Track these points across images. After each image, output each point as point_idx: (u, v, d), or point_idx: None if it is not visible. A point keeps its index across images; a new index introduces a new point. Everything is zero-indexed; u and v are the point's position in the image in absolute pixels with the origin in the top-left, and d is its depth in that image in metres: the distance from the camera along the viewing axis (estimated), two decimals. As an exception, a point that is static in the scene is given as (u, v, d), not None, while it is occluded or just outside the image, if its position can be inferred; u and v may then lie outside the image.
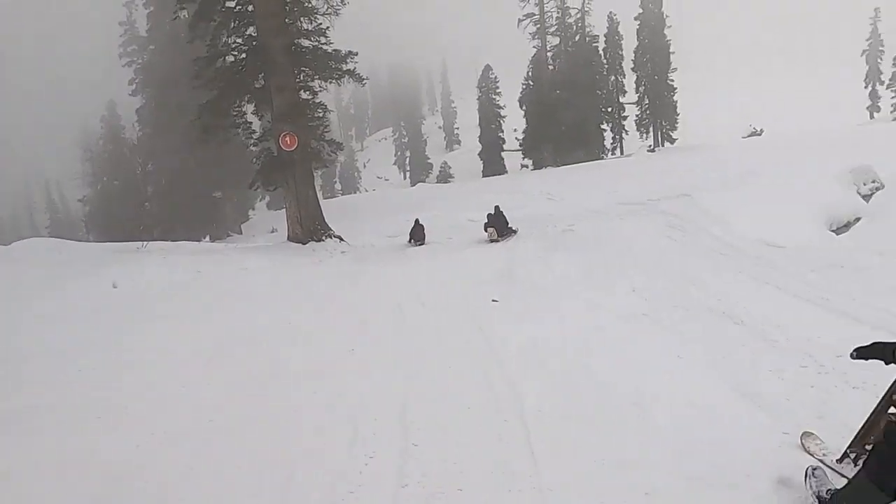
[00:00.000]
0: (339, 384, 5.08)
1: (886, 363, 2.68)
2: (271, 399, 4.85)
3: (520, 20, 56.54)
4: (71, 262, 13.93)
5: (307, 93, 18.66)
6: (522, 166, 61.90)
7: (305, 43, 18.23)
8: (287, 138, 17.29)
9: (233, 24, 17.79)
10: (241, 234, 47.86)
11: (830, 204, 13.20)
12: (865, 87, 64.97)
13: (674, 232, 11.98)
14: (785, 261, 8.46)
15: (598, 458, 3.46)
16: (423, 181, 73.62)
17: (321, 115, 18.76)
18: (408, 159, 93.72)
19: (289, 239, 18.59)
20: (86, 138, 41.83)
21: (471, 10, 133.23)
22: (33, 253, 16.71)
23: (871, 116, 63.59)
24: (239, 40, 17.88)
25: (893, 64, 61.01)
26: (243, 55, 17.83)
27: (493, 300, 7.90)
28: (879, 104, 63.83)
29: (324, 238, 18.02)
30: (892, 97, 61.16)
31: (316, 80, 18.67)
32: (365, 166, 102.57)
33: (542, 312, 7.10)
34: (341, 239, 18.37)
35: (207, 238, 43.81)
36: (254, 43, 17.71)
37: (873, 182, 15.83)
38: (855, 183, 15.60)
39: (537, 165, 56.02)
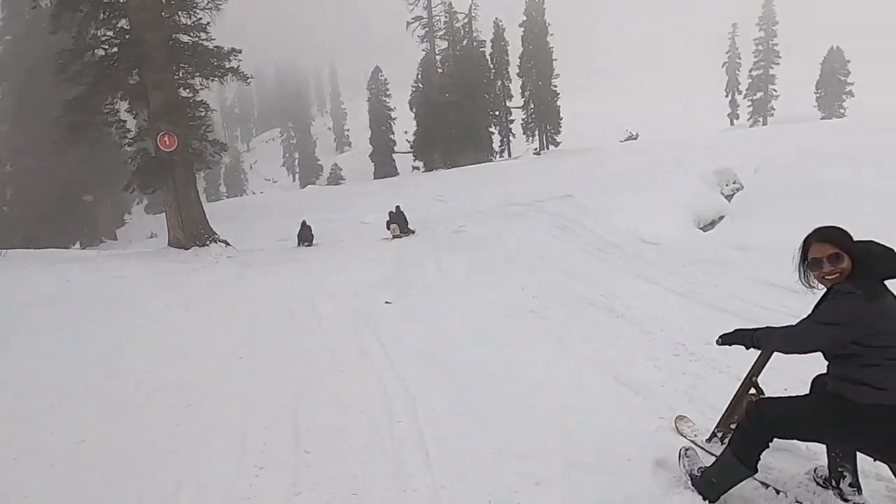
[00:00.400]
0: (226, 394, 4.87)
1: (747, 348, 2.94)
2: (152, 414, 4.57)
3: (409, 23, 56.95)
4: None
5: (187, 91, 17.79)
6: (414, 168, 62.33)
7: (184, 38, 17.39)
8: (166, 138, 16.41)
9: (102, 15, 16.62)
10: (117, 239, 44.95)
11: (698, 203, 14.25)
12: (726, 96, 70.76)
13: (559, 231, 12.51)
14: (659, 256, 9.08)
15: (489, 451, 3.54)
16: (314, 183, 72.46)
17: (203, 114, 17.91)
18: (297, 161, 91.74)
19: (170, 244, 17.65)
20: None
21: (358, 10, 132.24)
22: None
23: (731, 123, 69.36)
24: (109, 33, 16.71)
25: (749, 76, 66.95)
26: (115, 49, 16.69)
27: (387, 302, 7.89)
28: (738, 112, 69.77)
29: (208, 243, 17.27)
30: (749, 105, 67.13)
31: (196, 78, 17.85)
32: (252, 168, 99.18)
33: (434, 312, 7.15)
34: (227, 243, 17.68)
35: (77, 245, 40.69)
36: (127, 36, 16.64)
37: (734, 183, 17.26)
38: (718, 184, 16.95)
39: (428, 167, 56.56)
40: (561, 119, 55.86)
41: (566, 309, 6.92)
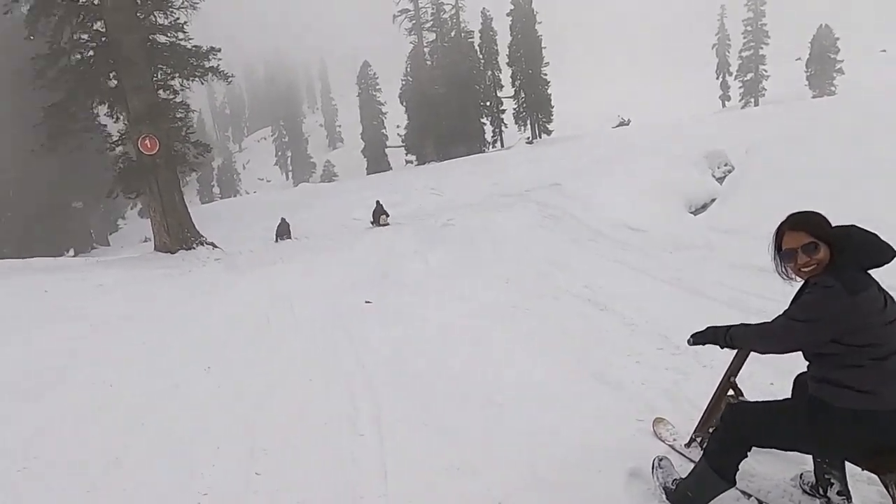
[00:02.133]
0: (184, 409, 4.62)
1: (721, 347, 2.71)
2: (97, 433, 4.31)
3: (395, 16, 56.72)
4: None
5: (167, 92, 17.49)
6: (407, 162, 62.21)
7: (162, 39, 17.07)
8: (147, 141, 16.13)
9: (77, 18, 16.30)
10: (110, 245, 44.85)
11: (689, 187, 14.00)
12: (717, 78, 70.51)
13: (546, 221, 12.27)
14: (646, 243, 8.82)
15: (451, 466, 3.30)
16: (307, 181, 72.23)
17: (183, 115, 17.61)
18: (289, 159, 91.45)
19: (156, 249, 17.44)
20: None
21: (346, 5, 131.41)
22: None
23: (723, 105, 69.19)
24: (85, 36, 16.39)
25: (738, 57, 66.65)
26: (91, 52, 16.38)
27: (367, 301, 7.67)
28: (729, 93, 69.53)
29: (195, 246, 17.04)
30: (740, 87, 66.85)
31: (176, 79, 17.55)
32: (245, 168, 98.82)
33: (414, 311, 6.93)
34: (214, 245, 17.47)
35: (71, 252, 40.46)
36: (103, 39, 16.33)
37: (725, 165, 17.02)
38: (710, 167, 16.70)
39: (421, 161, 56.40)
40: (552, 107, 55.54)
41: (549, 303, 6.68)
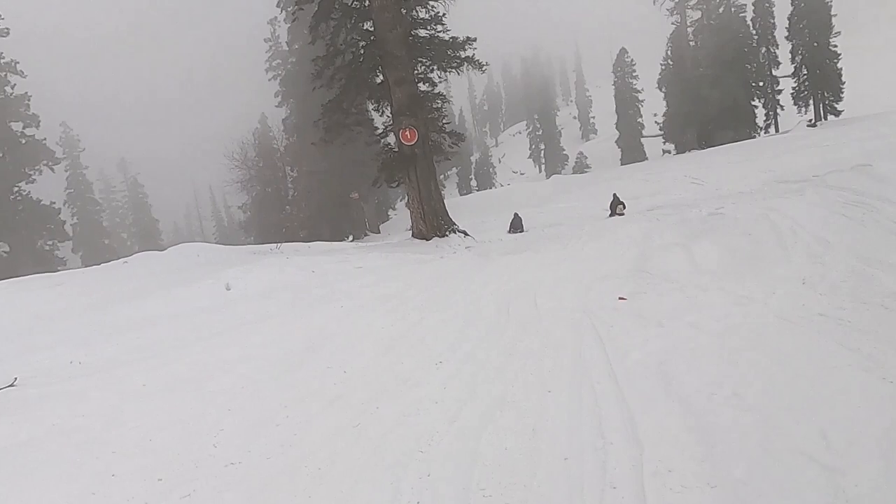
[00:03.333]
0: (404, 414, 4.13)
1: None
2: (318, 428, 4.01)
3: (656, -4, 53.33)
4: (203, 264, 14.41)
5: (426, 84, 18.13)
6: (664, 152, 58.80)
7: (422, 33, 17.70)
8: (407, 133, 16.90)
9: (351, 20, 17.63)
10: (380, 233, 49.14)
11: None
12: None
13: (849, 209, 9.84)
14: None
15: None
16: (559, 173, 72.10)
17: (439, 105, 18.11)
18: (542, 152, 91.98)
19: (413, 236, 18.23)
20: (241, 149, 44.75)
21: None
22: (181, 256, 17.68)
23: None
24: (356, 36, 17.66)
25: None
26: (361, 51, 17.60)
27: (620, 298, 6.62)
28: None
29: (448, 234, 17.44)
30: None
31: (435, 71, 18.09)
32: (500, 161, 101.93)
33: (678, 313, 5.69)
34: (465, 233, 17.71)
35: (350, 238, 45.32)
36: (371, 38, 17.43)
37: None
38: None
39: (680, 150, 52.60)
40: (843, 83, 47.23)
41: (870, 312, 4.96)
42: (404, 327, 6.47)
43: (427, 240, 17.27)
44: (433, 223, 17.50)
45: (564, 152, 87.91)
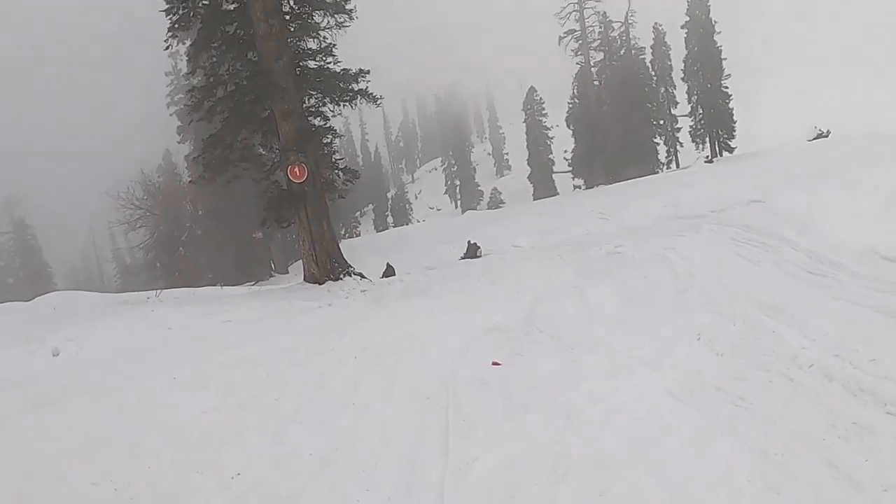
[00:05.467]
0: None
1: None
2: None
3: (561, 38, 55.24)
4: (45, 320, 12.44)
5: (318, 118, 17.01)
6: (575, 187, 60.14)
7: (312, 64, 16.63)
8: (296, 169, 15.65)
9: (234, 49, 16.35)
10: (287, 273, 47.15)
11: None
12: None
13: (745, 248, 9.41)
14: None
15: None
16: (474, 208, 72.52)
17: (329, 140, 17.00)
18: (458, 188, 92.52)
19: (305, 280, 16.84)
20: (129, 188, 41.94)
21: (510, 31, 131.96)
22: (43, 307, 15.66)
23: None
24: (239, 65, 16.36)
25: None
26: (244, 81, 16.30)
27: (495, 363, 5.61)
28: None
29: (342, 276, 16.18)
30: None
31: (327, 104, 17.02)
32: (417, 197, 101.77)
33: (554, 390, 4.67)
34: (362, 276, 16.51)
35: (253, 282, 43.13)
36: (256, 68, 16.20)
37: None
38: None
39: (589, 185, 53.80)
40: (735, 122, 50.07)
41: (778, 384, 4.09)
42: (227, 412, 5.14)
43: (320, 284, 15.94)
44: (326, 266, 16.20)
45: (479, 188, 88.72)
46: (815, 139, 51.24)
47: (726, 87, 50.51)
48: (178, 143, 50.54)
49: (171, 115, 52.04)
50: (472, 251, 21.79)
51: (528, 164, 69.77)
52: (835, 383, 3.90)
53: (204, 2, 16.02)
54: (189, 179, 44.87)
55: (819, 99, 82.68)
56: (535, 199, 59.44)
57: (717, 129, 50.65)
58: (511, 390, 4.77)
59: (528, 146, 69.81)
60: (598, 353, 5.50)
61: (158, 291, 18.49)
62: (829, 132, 54.44)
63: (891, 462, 2.93)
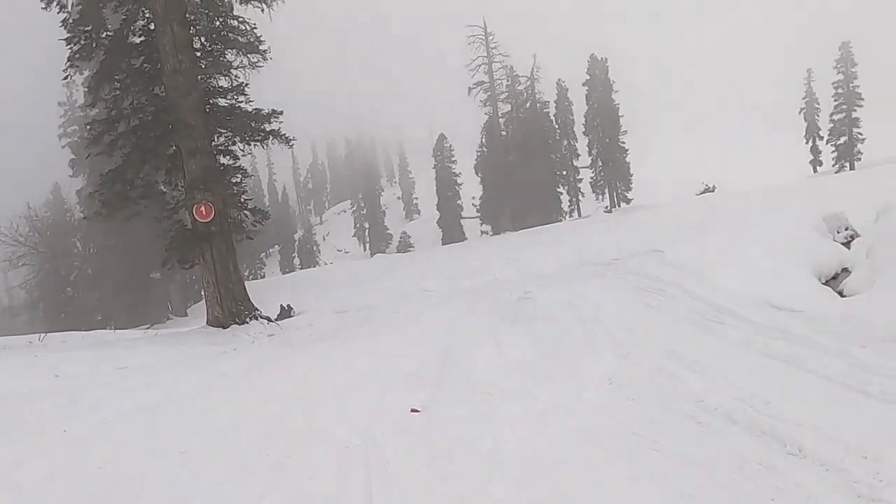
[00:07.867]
0: None
1: None
2: None
3: (470, 88, 57.16)
4: None
5: (227, 157, 16.56)
6: (482, 233, 61.42)
7: (222, 102, 16.27)
8: (202, 208, 15.03)
9: (139, 83, 15.75)
10: (187, 316, 44.96)
11: (815, 253, 11.32)
12: (806, 143, 66.16)
13: (648, 296, 9.93)
14: (810, 330, 6.24)
15: None
16: (383, 252, 72.37)
17: (239, 180, 16.56)
18: (367, 231, 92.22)
19: (208, 323, 16.03)
20: (11, 223, 39.08)
21: (420, 79, 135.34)
22: None
23: (815, 170, 64.83)
24: (144, 99, 15.75)
25: (830, 120, 62.49)
26: (149, 116, 15.68)
27: (413, 410, 5.56)
28: (821, 158, 65.03)
29: (248, 320, 15.57)
30: (833, 151, 62.48)
31: (237, 144, 16.63)
32: (325, 239, 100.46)
33: (474, 435, 4.71)
34: (269, 320, 15.94)
35: (148, 325, 40.76)
36: (163, 103, 15.64)
37: (847, 229, 14.29)
38: (829, 231, 14.03)
39: (496, 231, 55.25)
40: (631, 175, 53.51)
41: (689, 430, 4.29)
42: (126, 468, 4.76)
43: (224, 327, 15.26)
44: (231, 309, 15.54)
45: (389, 231, 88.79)
46: (702, 193, 55.34)
47: (623, 143, 54.07)
48: (71, 176, 47.67)
49: (63, 146, 49.23)
50: (285, 314, 18.56)
51: (438, 209, 70.69)
52: (738, 426, 4.19)
53: (109, 33, 15.45)
54: (83, 215, 42.36)
55: (707, 155, 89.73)
56: (444, 244, 60.15)
57: (615, 181, 53.89)
58: (433, 438, 4.74)
59: (437, 191, 70.85)
60: (515, 398, 5.57)
61: (42, 335, 17.07)
62: (715, 187, 59.00)
63: (794, 500, 3.13)
